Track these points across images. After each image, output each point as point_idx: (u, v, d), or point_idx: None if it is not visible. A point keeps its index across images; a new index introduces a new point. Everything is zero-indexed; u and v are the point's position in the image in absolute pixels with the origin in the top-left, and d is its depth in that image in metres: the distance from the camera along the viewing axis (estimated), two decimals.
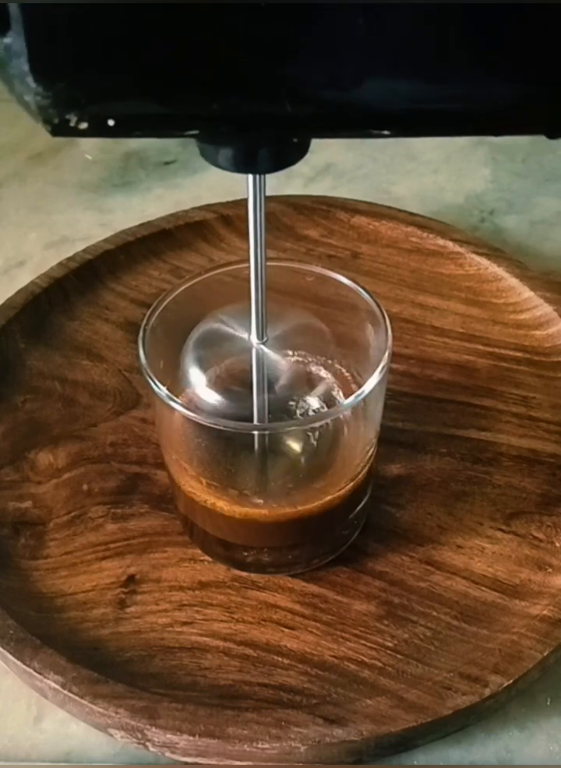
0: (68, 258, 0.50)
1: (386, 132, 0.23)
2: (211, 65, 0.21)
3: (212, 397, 0.35)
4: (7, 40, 0.20)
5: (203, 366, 0.36)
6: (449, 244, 0.52)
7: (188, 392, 0.35)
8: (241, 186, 0.57)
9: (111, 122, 0.21)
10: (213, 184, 0.60)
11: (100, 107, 0.21)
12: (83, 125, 0.21)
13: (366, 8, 0.20)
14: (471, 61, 0.21)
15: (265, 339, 0.33)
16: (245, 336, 0.34)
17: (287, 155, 0.26)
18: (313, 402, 0.37)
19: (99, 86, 0.21)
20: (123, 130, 0.22)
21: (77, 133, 0.22)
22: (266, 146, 0.26)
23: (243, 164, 0.26)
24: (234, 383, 0.36)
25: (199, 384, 0.35)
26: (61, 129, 0.21)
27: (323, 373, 0.38)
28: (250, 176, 0.28)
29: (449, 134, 0.25)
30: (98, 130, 0.22)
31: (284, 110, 0.22)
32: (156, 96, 0.21)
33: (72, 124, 0.21)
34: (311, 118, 0.22)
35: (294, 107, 0.22)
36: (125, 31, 0.20)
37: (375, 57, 0.21)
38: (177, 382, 0.37)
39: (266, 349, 0.34)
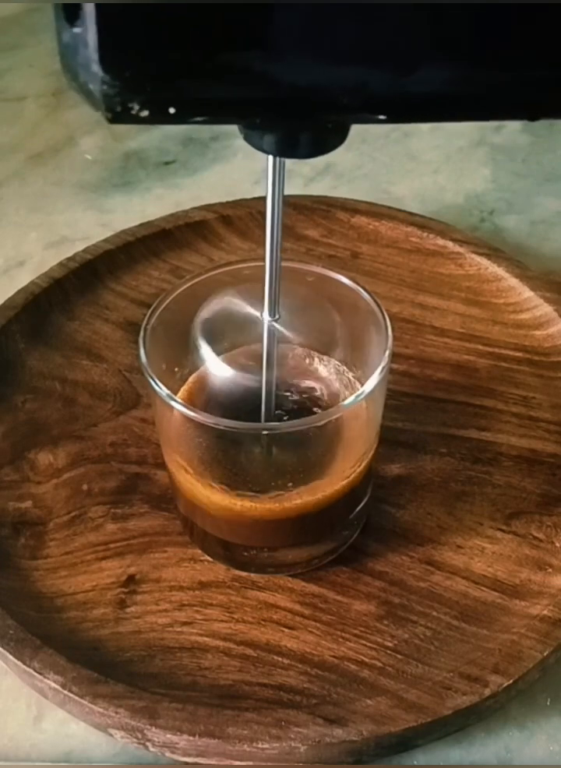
0: (68, 258, 0.50)
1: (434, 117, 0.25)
2: (274, 53, 0.22)
3: (220, 384, 0.35)
4: (76, 29, 0.21)
5: (212, 345, 0.36)
6: (449, 244, 0.52)
7: (197, 376, 0.35)
8: (241, 186, 0.57)
9: (172, 110, 0.22)
10: (213, 184, 0.60)
11: (164, 96, 0.22)
12: (144, 113, 0.22)
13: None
14: (519, 47, 0.22)
15: (277, 316, 0.33)
16: (256, 313, 0.34)
17: (330, 140, 0.27)
18: (317, 395, 0.37)
19: (166, 74, 0.22)
20: (182, 117, 0.23)
21: (137, 120, 0.22)
22: (309, 132, 0.26)
23: (287, 149, 0.27)
24: (242, 366, 0.36)
25: (208, 365, 0.35)
26: (121, 116, 0.22)
27: (329, 366, 0.38)
28: (269, 158, 0.29)
29: (487, 119, 0.26)
30: (158, 117, 0.22)
31: (343, 100, 0.23)
32: (220, 84, 0.22)
33: (133, 111, 0.22)
34: (361, 104, 0.23)
35: (348, 96, 0.23)
36: (192, 21, 0.21)
37: (425, 46, 0.22)
38: (180, 378, 0.37)
39: (277, 326, 0.34)
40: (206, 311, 0.36)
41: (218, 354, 0.36)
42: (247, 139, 0.26)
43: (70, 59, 0.22)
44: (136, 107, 0.22)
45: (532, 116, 0.24)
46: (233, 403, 0.35)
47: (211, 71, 0.22)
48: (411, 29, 0.22)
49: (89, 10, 0.20)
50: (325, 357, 0.38)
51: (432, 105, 0.24)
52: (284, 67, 0.22)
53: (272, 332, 0.34)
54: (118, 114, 0.22)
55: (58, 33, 0.22)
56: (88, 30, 0.21)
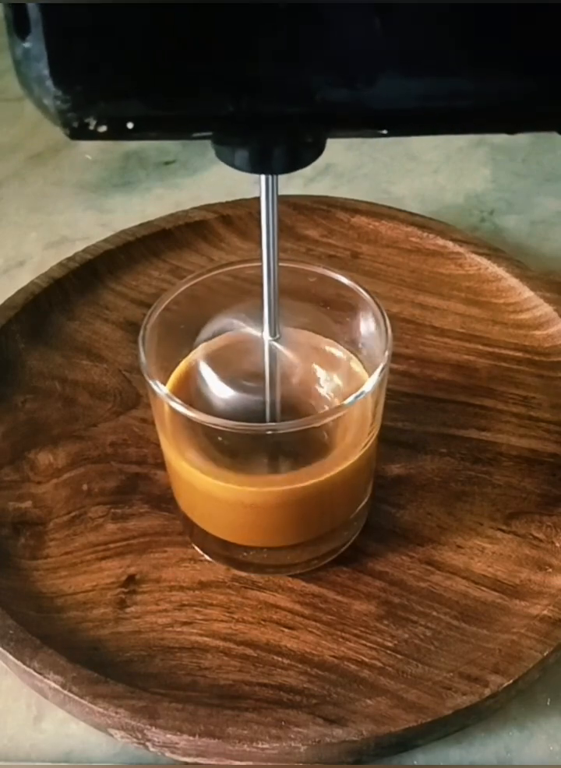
0: (68, 258, 0.50)
1: (398, 131, 0.24)
2: (227, 66, 0.21)
3: (224, 392, 0.35)
4: (26, 44, 0.21)
5: (215, 361, 0.36)
6: (449, 244, 0.52)
7: (199, 385, 0.36)
8: (241, 186, 0.57)
9: (129, 125, 0.22)
10: (213, 184, 0.60)
11: (119, 110, 0.22)
12: (102, 128, 0.22)
13: (378, 7, 0.21)
14: (485, 59, 0.22)
15: (277, 335, 0.33)
16: (257, 332, 0.34)
17: (302, 155, 0.26)
18: (320, 398, 0.37)
19: (118, 89, 0.21)
20: (141, 132, 0.22)
21: (96, 136, 0.22)
22: (280, 147, 0.26)
23: (258, 165, 0.26)
24: (245, 377, 0.36)
25: (211, 378, 0.35)
26: (80, 132, 0.22)
27: (331, 368, 0.38)
28: (262, 182, 0.28)
29: (462, 132, 0.25)
30: (117, 133, 0.22)
31: (298, 111, 0.22)
32: (174, 98, 0.22)
33: (91, 127, 0.21)
34: (324, 118, 0.23)
35: (308, 108, 0.22)
36: (143, 34, 0.21)
37: (387, 56, 0.21)
38: (182, 380, 0.37)
39: (278, 345, 0.34)
40: (207, 333, 0.36)
41: (221, 372, 0.36)
42: (218, 155, 0.26)
43: (24, 74, 0.21)
44: (93, 122, 0.21)
45: (511, 130, 0.24)
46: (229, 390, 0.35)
47: (162, 86, 0.21)
48: (375, 38, 0.21)
49: (38, 24, 0.20)
50: (326, 356, 0.38)
51: (402, 120, 0.23)
52: (234, 83, 0.21)
53: (273, 351, 0.34)
54: (76, 130, 0.22)
55: (10, 48, 0.21)
56: (38, 45, 0.20)
